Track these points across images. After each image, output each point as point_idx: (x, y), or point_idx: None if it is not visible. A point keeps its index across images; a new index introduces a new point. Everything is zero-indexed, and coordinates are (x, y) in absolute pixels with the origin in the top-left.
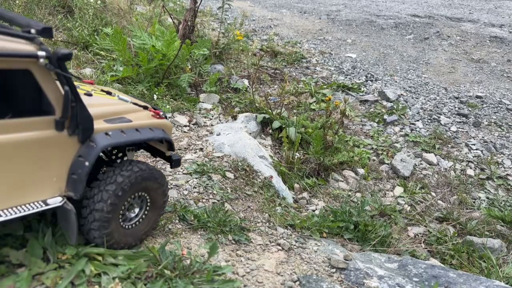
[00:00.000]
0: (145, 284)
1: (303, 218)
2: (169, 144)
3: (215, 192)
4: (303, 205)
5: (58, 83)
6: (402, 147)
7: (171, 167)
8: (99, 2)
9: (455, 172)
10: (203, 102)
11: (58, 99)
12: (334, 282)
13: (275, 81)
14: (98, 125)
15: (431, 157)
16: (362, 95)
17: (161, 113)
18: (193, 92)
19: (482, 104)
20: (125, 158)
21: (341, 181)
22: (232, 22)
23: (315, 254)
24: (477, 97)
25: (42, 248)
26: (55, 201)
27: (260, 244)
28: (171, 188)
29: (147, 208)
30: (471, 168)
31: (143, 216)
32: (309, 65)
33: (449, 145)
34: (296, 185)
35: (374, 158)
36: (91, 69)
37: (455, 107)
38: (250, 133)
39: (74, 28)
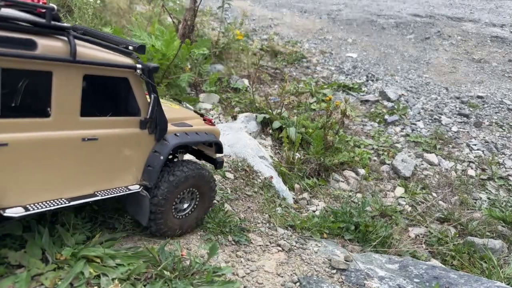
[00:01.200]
0: (144, 285)
1: (304, 219)
2: (218, 147)
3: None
4: (304, 205)
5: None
6: (403, 147)
7: (215, 168)
8: (98, 1)
9: (456, 173)
10: (203, 102)
11: (144, 103)
12: (335, 283)
13: (275, 81)
14: (169, 127)
15: (432, 157)
16: (362, 95)
17: (213, 121)
18: (193, 92)
19: (483, 104)
20: (175, 160)
21: (341, 181)
22: (232, 21)
23: (315, 255)
24: (478, 97)
25: (40, 248)
26: (135, 188)
27: (260, 245)
28: None
29: (197, 201)
30: (472, 168)
31: (193, 208)
32: (310, 64)
33: (450, 145)
34: (296, 186)
35: (375, 158)
36: None
37: (456, 107)
38: (250, 133)
39: None
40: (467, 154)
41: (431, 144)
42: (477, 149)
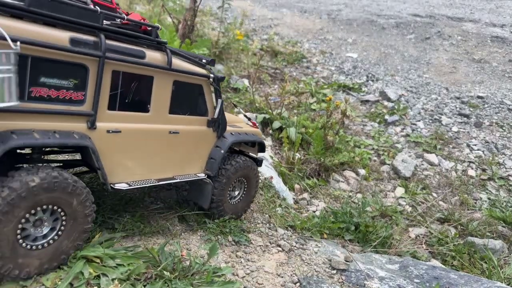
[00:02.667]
0: (144, 286)
1: (304, 219)
2: (261, 147)
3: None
4: (304, 206)
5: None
6: (403, 148)
7: (257, 165)
8: None
9: (456, 173)
10: None
11: (211, 106)
12: (335, 284)
13: (275, 81)
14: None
15: (432, 157)
16: (363, 95)
17: (257, 124)
18: None
19: (484, 104)
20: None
21: (341, 181)
22: (232, 21)
23: (315, 255)
24: (479, 97)
25: None
26: (202, 175)
27: (260, 245)
28: (170, 189)
29: (245, 190)
30: (472, 168)
31: (242, 196)
32: (310, 65)
33: (451, 146)
34: (296, 186)
35: (375, 158)
36: None
37: (456, 107)
38: None
39: None
40: (467, 154)
41: (431, 144)
42: (477, 149)
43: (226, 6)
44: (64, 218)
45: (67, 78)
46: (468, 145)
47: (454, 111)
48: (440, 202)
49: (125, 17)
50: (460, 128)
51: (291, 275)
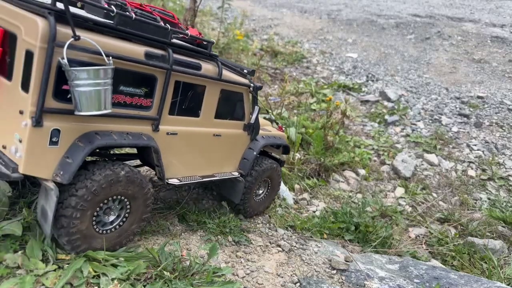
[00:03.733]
0: (144, 286)
1: (304, 219)
2: (285, 149)
3: (214, 193)
4: (304, 206)
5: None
6: (403, 148)
7: (280, 166)
8: None
9: (456, 173)
10: None
11: (248, 112)
12: (335, 284)
13: (275, 81)
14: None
15: (432, 157)
16: (363, 95)
17: (283, 128)
18: None
19: (484, 105)
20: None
21: (342, 181)
22: (232, 21)
23: (315, 256)
24: (479, 97)
25: (40, 249)
26: (236, 174)
27: (260, 245)
28: (170, 189)
29: (268, 190)
30: (472, 168)
31: (265, 195)
32: (310, 65)
33: (450, 146)
34: (296, 186)
35: (375, 158)
36: None
37: (456, 108)
38: None
39: None
40: (467, 154)
41: (431, 144)
42: (477, 150)
43: (226, 6)
44: (129, 207)
45: (139, 87)
46: (468, 145)
47: (454, 111)
48: (440, 202)
49: (188, 33)
50: (460, 128)
51: (291, 275)
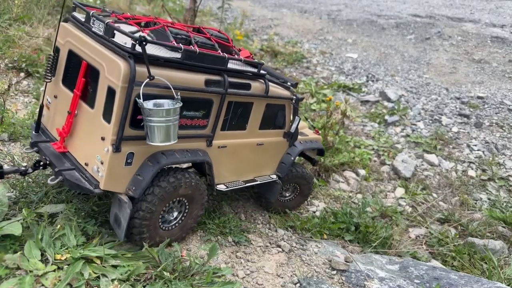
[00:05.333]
0: (144, 286)
1: (304, 220)
2: (320, 151)
3: (214, 193)
4: (304, 206)
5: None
6: (403, 148)
7: (312, 165)
8: (98, 2)
9: (456, 173)
10: None
11: (289, 121)
12: (335, 284)
13: None
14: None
15: (432, 158)
16: (363, 96)
17: (319, 132)
18: None
19: (484, 105)
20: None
21: (342, 182)
22: (232, 22)
23: (315, 256)
24: (479, 97)
25: (39, 249)
26: (274, 177)
27: (260, 246)
28: None
29: (297, 193)
30: (472, 169)
31: (293, 197)
32: (310, 65)
33: (451, 146)
34: None
35: (375, 159)
36: None
37: (457, 108)
38: None
39: None
40: (467, 154)
41: (431, 144)
42: (478, 150)
43: (226, 7)
44: (187, 206)
45: (198, 110)
46: (468, 146)
47: (454, 112)
48: (440, 203)
49: (242, 59)
50: (460, 129)
51: (291, 275)
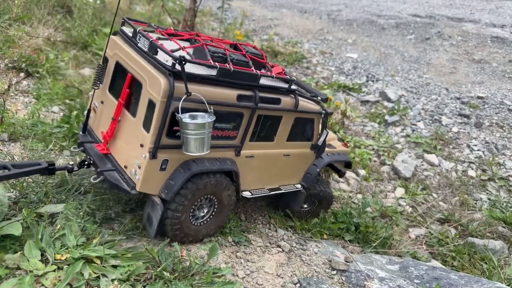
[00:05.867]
0: (144, 286)
1: (304, 220)
2: (347, 164)
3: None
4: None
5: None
6: (403, 148)
7: (339, 176)
8: (98, 2)
9: (456, 173)
10: None
11: (317, 134)
12: (335, 284)
13: None
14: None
15: (432, 158)
16: (363, 96)
17: (347, 145)
18: None
19: (484, 105)
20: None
21: (342, 182)
22: (232, 22)
23: (315, 256)
24: (479, 97)
25: (39, 249)
26: (299, 186)
27: (260, 246)
28: None
29: (314, 207)
30: (472, 169)
31: (309, 210)
32: (310, 65)
33: (451, 146)
34: None
35: (375, 159)
36: (90, 69)
37: (457, 108)
38: None
39: (73, 28)
40: (467, 154)
41: (431, 144)
42: (478, 150)
43: (226, 7)
44: (216, 204)
45: (229, 123)
46: (468, 146)
47: (454, 112)
48: (440, 203)
49: (274, 75)
50: (460, 129)
51: (291, 275)
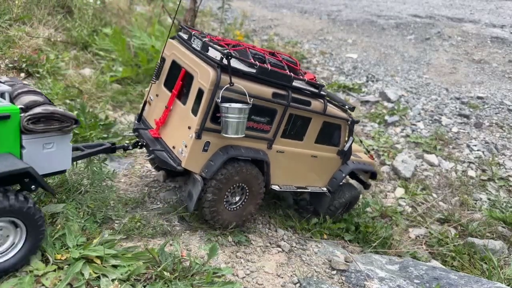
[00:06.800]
0: (144, 286)
1: (304, 220)
2: (373, 175)
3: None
4: (304, 206)
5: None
6: (403, 148)
7: (364, 188)
8: (98, 2)
9: (456, 173)
10: None
11: (343, 140)
12: (335, 284)
13: None
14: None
15: (432, 158)
16: (363, 96)
17: (373, 157)
18: None
19: (483, 105)
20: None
21: None
22: (232, 22)
23: (315, 256)
24: (478, 97)
25: (39, 249)
26: (324, 190)
27: (260, 246)
28: (170, 189)
29: (344, 210)
30: (472, 169)
31: (340, 212)
32: (310, 65)
33: (450, 146)
34: None
35: (375, 159)
36: (91, 70)
37: (456, 108)
38: None
39: (73, 28)
40: (467, 154)
41: (431, 144)
42: (477, 150)
43: (226, 7)
44: (248, 192)
45: (264, 117)
46: (468, 146)
47: (454, 112)
48: (440, 203)
49: (306, 79)
50: (460, 129)
51: (291, 275)
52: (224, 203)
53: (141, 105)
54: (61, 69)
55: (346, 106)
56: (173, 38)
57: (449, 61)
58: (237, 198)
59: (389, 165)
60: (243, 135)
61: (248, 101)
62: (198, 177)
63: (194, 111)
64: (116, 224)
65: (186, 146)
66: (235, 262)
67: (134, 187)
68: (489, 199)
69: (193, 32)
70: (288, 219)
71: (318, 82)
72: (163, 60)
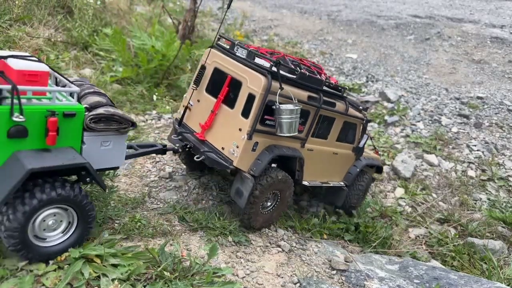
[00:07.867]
0: (144, 286)
1: (304, 220)
2: (378, 169)
3: (214, 193)
4: (304, 206)
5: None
6: (403, 148)
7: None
8: (98, 2)
9: (456, 173)
10: None
11: (358, 138)
12: (335, 284)
13: None
14: None
15: (432, 158)
16: (362, 96)
17: (379, 152)
18: None
19: (483, 105)
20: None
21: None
22: (232, 22)
23: (315, 256)
24: (478, 98)
25: None
26: (342, 184)
27: (260, 246)
28: (171, 189)
29: (361, 196)
30: (472, 169)
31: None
32: None
33: (450, 146)
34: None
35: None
36: (91, 70)
37: (456, 108)
38: None
39: (73, 28)
40: (467, 155)
41: (431, 145)
42: (477, 150)
43: (226, 7)
44: (279, 198)
45: (300, 118)
46: (468, 146)
47: (453, 112)
48: (440, 203)
49: (332, 83)
50: (460, 129)
51: (291, 275)
52: (260, 207)
53: (181, 111)
54: (61, 69)
55: (361, 107)
56: (212, 47)
57: (449, 61)
58: (269, 203)
59: (389, 165)
60: (296, 133)
61: (295, 103)
62: (248, 175)
63: (245, 114)
64: (116, 224)
65: (237, 147)
66: (235, 262)
67: (134, 187)
68: (489, 199)
69: (237, 41)
70: (288, 219)
71: (342, 85)
72: (203, 68)
